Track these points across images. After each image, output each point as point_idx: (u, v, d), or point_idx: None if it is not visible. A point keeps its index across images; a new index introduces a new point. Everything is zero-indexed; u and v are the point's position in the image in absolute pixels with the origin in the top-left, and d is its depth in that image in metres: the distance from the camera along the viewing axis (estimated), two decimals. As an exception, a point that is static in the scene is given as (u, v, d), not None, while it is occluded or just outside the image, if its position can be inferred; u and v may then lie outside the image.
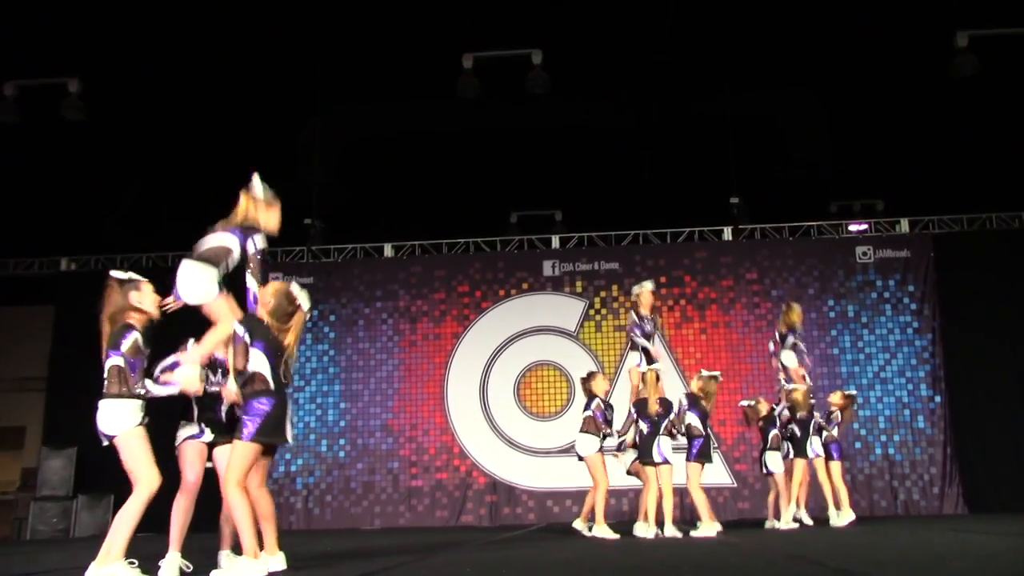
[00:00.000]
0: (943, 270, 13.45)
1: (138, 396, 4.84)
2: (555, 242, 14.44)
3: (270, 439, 4.83)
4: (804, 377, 9.98)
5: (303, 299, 4.98)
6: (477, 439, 13.65)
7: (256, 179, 5.29)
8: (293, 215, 13.58)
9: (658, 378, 8.53)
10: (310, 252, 14.41)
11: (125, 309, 4.93)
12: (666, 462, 8.24)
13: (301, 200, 13.61)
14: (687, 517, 10.83)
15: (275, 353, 4.84)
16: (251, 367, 4.79)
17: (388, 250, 14.58)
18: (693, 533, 8.40)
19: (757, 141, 13.41)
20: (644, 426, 8.37)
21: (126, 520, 4.68)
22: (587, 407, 8.57)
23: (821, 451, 9.62)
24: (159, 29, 11.08)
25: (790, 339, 10.02)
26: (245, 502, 4.68)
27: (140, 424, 4.82)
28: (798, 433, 9.62)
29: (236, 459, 4.74)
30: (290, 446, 13.60)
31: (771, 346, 10.42)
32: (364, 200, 14.45)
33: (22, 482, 15.17)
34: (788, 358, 9.88)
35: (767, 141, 13.51)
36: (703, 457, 8.59)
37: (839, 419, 9.88)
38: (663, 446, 8.26)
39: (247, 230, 5.13)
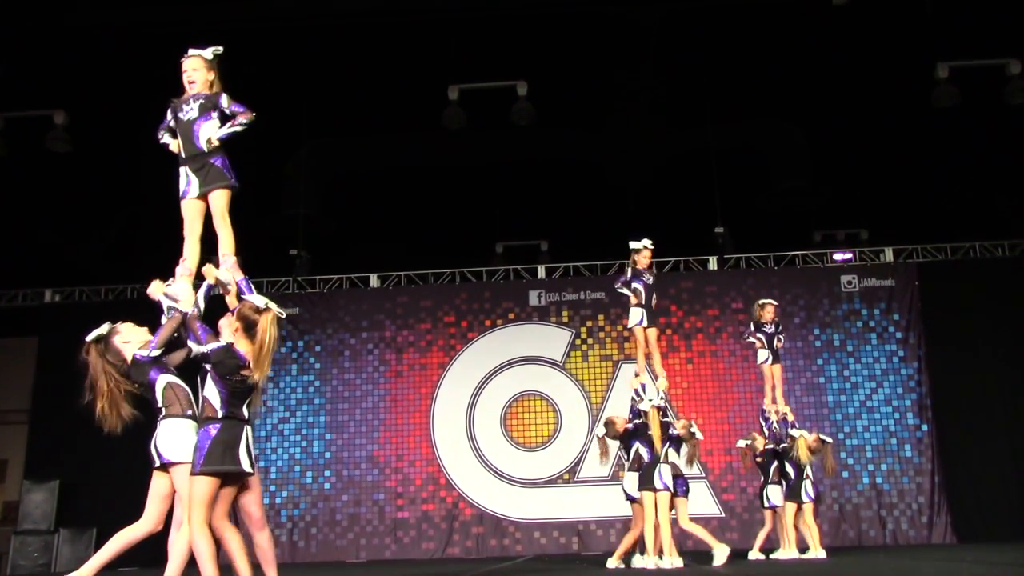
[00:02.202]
0: (928, 299, 13.51)
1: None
2: (541, 272, 14.45)
3: (219, 467, 4.55)
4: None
5: (260, 301, 4.76)
6: (464, 470, 13.57)
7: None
8: (279, 246, 13.71)
9: (660, 411, 8.46)
10: (296, 283, 14.36)
11: (120, 363, 4.89)
12: (667, 489, 8.21)
13: (287, 231, 13.61)
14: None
15: (236, 392, 4.65)
16: (204, 394, 4.66)
17: (374, 280, 14.56)
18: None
19: (741, 171, 13.50)
20: (645, 453, 8.32)
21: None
22: (632, 443, 8.49)
23: (814, 495, 9.56)
24: (145, 62, 11.10)
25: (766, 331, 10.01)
26: (208, 541, 4.54)
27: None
28: (792, 475, 9.56)
29: (193, 496, 4.54)
30: (275, 478, 13.56)
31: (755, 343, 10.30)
32: (350, 231, 14.45)
33: (3, 516, 14.99)
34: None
35: (751, 171, 13.60)
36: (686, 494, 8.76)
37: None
38: (664, 473, 8.22)
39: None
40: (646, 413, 8.41)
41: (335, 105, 12.39)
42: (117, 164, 12.76)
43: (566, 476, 13.45)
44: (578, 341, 13.96)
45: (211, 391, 4.63)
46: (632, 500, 8.47)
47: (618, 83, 12.07)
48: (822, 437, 9.87)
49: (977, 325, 13.18)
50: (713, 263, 14.16)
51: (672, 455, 8.51)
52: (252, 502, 5.03)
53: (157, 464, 4.82)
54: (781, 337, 10.27)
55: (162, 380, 4.87)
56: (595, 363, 13.86)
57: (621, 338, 13.85)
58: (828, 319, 13.68)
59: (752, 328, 10.24)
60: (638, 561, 8.41)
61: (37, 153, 12.09)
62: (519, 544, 13.18)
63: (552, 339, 13.98)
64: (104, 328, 4.97)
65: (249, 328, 4.67)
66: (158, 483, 4.91)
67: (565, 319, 14.06)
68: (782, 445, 9.70)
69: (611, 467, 12.93)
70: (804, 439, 9.52)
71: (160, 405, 4.86)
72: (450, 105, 11.88)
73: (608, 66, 11.81)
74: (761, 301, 10.38)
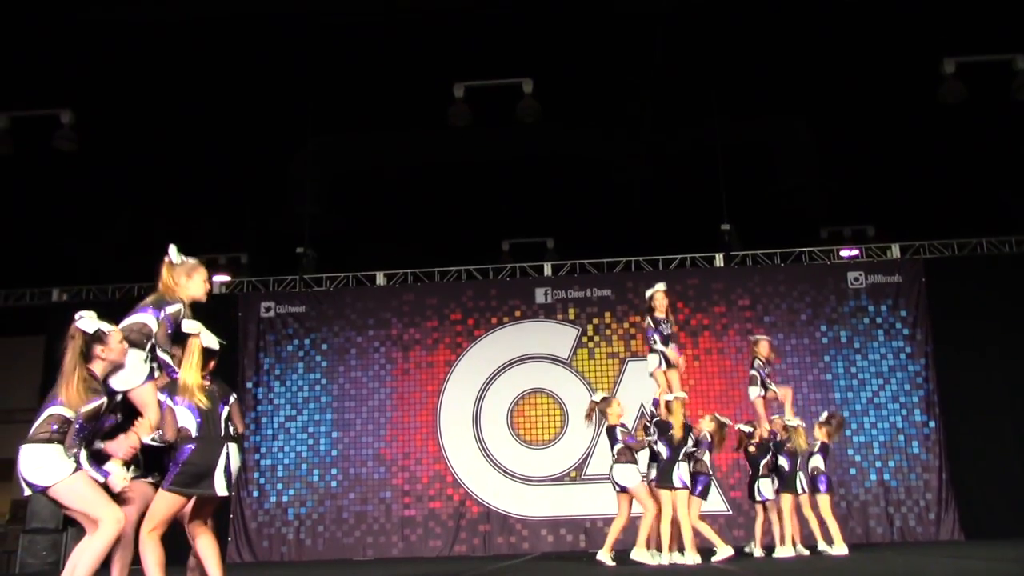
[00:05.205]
0: (935, 295, 13.47)
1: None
2: (547, 269, 14.43)
3: (190, 489, 4.59)
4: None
5: (191, 328, 4.88)
6: (470, 468, 13.57)
7: (172, 249, 5.26)
8: (285, 244, 13.73)
9: (683, 404, 8.49)
10: (302, 281, 14.38)
11: (90, 359, 4.75)
12: (685, 487, 8.23)
13: (293, 229, 13.63)
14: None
15: (201, 407, 4.70)
16: (181, 423, 4.71)
17: (380, 278, 14.56)
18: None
19: (748, 168, 13.49)
20: (664, 450, 8.32)
21: (87, 562, 4.48)
22: (613, 438, 8.40)
23: (825, 487, 9.55)
24: (151, 61, 11.13)
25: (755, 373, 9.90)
26: (157, 550, 4.56)
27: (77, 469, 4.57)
28: (787, 468, 9.56)
29: (156, 506, 4.64)
30: (282, 476, 13.58)
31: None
32: (356, 228, 14.47)
33: (11, 515, 15.01)
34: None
35: (758, 168, 13.60)
36: (704, 495, 8.68)
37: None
38: (683, 471, 8.24)
39: (162, 303, 5.06)
40: (668, 403, 8.42)
41: (341, 103, 12.41)
42: (124, 163, 12.79)
43: (573, 474, 13.44)
44: (584, 339, 13.94)
45: (186, 418, 4.69)
46: (622, 489, 8.43)
47: (624, 80, 12.06)
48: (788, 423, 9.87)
49: (984, 321, 13.13)
50: (719, 260, 14.13)
51: (702, 453, 8.60)
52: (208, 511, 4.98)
53: (28, 493, 4.68)
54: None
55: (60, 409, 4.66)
56: (602, 360, 13.85)
57: (628, 336, 13.84)
58: (835, 316, 13.65)
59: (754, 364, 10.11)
60: (652, 558, 8.41)
61: (44, 152, 12.12)
62: (526, 542, 13.18)
63: (558, 337, 13.97)
64: (99, 326, 4.85)
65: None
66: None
67: (571, 316, 14.04)
68: (777, 438, 9.71)
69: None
70: (802, 428, 9.55)
71: (35, 425, 4.68)
72: (456, 102, 11.90)
73: (614, 63, 11.81)
74: (755, 337, 10.39)
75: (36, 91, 11.81)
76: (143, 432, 4.80)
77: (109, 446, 4.87)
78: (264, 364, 14.08)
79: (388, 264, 14.53)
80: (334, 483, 13.60)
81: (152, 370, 4.92)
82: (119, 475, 4.73)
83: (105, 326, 4.89)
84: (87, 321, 4.86)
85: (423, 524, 13.36)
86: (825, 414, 9.97)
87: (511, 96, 11.92)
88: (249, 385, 13.90)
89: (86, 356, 4.74)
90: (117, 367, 4.82)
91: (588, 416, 8.79)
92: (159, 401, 4.78)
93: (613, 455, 8.44)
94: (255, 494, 13.58)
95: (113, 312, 5.25)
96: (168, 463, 4.85)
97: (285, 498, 13.56)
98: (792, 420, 9.67)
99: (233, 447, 4.70)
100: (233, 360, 13.53)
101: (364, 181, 13.91)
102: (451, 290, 14.34)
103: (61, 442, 4.58)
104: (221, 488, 4.63)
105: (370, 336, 14.16)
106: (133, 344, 4.89)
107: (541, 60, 11.70)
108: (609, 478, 8.66)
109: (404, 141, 13.08)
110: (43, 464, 4.55)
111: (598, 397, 8.81)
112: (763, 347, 10.09)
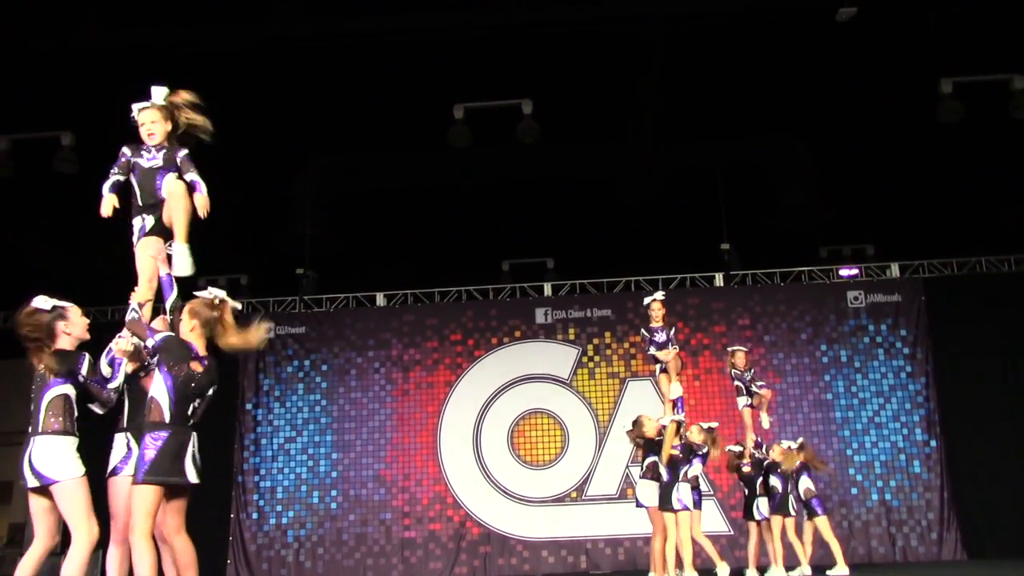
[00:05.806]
0: (934, 314, 13.47)
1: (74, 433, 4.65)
2: (547, 290, 14.43)
3: (166, 478, 4.39)
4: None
5: (211, 295, 4.81)
6: (471, 489, 13.53)
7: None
8: (285, 265, 13.72)
9: (679, 427, 8.48)
10: (302, 302, 14.38)
11: (54, 337, 4.76)
12: (686, 508, 8.22)
13: (293, 250, 13.63)
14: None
15: (183, 386, 4.50)
16: (151, 393, 4.53)
17: (380, 299, 14.56)
18: None
19: (747, 188, 13.52)
20: (664, 472, 8.31)
21: None
22: (653, 451, 8.40)
23: (822, 510, 9.58)
24: (152, 82, 11.15)
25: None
26: (152, 554, 4.35)
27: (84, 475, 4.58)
28: (779, 488, 9.56)
29: (136, 505, 4.37)
30: (281, 498, 13.52)
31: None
32: (356, 250, 14.47)
33: (9, 538, 14.94)
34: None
35: (757, 187, 13.62)
36: (700, 505, 8.71)
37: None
38: (682, 493, 8.23)
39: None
40: (664, 427, 8.42)
41: (341, 124, 12.44)
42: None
43: (574, 494, 13.39)
44: (585, 358, 13.93)
45: (159, 390, 4.50)
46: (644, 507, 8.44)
47: (623, 100, 12.10)
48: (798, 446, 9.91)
49: (984, 339, 13.12)
50: (719, 280, 14.14)
51: (694, 467, 8.56)
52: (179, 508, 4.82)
53: (35, 486, 4.66)
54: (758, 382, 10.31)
55: (58, 390, 4.73)
56: (602, 380, 13.83)
57: (628, 355, 13.83)
58: (835, 335, 13.65)
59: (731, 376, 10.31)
60: None
61: (44, 174, 12.12)
62: (527, 563, 13.12)
63: (559, 357, 13.95)
64: (54, 301, 4.93)
65: (207, 324, 4.67)
66: (38, 501, 4.80)
67: (572, 336, 14.03)
68: (768, 460, 9.77)
69: (619, 484, 12.98)
70: (792, 450, 9.61)
71: (41, 417, 4.68)
72: (456, 124, 11.92)
73: (613, 84, 11.85)
74: (731, 348, 10.53)
75: (37, 113, 11.83)
76: (135, 299, 4.97)
77: (117, 347, 4.96)
78: (264, 385, 14.06)
79: (388, 285, 14.52)
80: (334, 505, 13.55)
81: (143, 226, 5.21)
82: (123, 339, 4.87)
83: (60, 302, 4.96)
84: (42, 299, 4.92)
85: (423, 546, 13.30)
86: (800, 440, 10.05)
87: (511, 117, 11.94)
88: (249, 406, 13.88)
89: (50, 335, 4.81)
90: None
91: (640, 451, 8.81)
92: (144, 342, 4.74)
93: (642, 469, 8.47)
94: (254, 516, 13.53)
95: (113, 334, 5.25)
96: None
97: (284, 520, 13.50)
98: (785, 444, 9.74)
99: (194, 435, 4.56)
100: (233, 381, 13.52)
101: (364, 202, 13.91)
102: (451, 311, 14.33)
103: (72, 433, 4.63)
104: (192, 475, 4.49)
105: (370, 357, 14.14)
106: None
107: (540, 81, 11.74)
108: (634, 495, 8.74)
109: (404, 162, 13.09)
110: (55, 459, 4.58)
111: (628, 427, 8.82)
112: (740, 357, 10.25)
